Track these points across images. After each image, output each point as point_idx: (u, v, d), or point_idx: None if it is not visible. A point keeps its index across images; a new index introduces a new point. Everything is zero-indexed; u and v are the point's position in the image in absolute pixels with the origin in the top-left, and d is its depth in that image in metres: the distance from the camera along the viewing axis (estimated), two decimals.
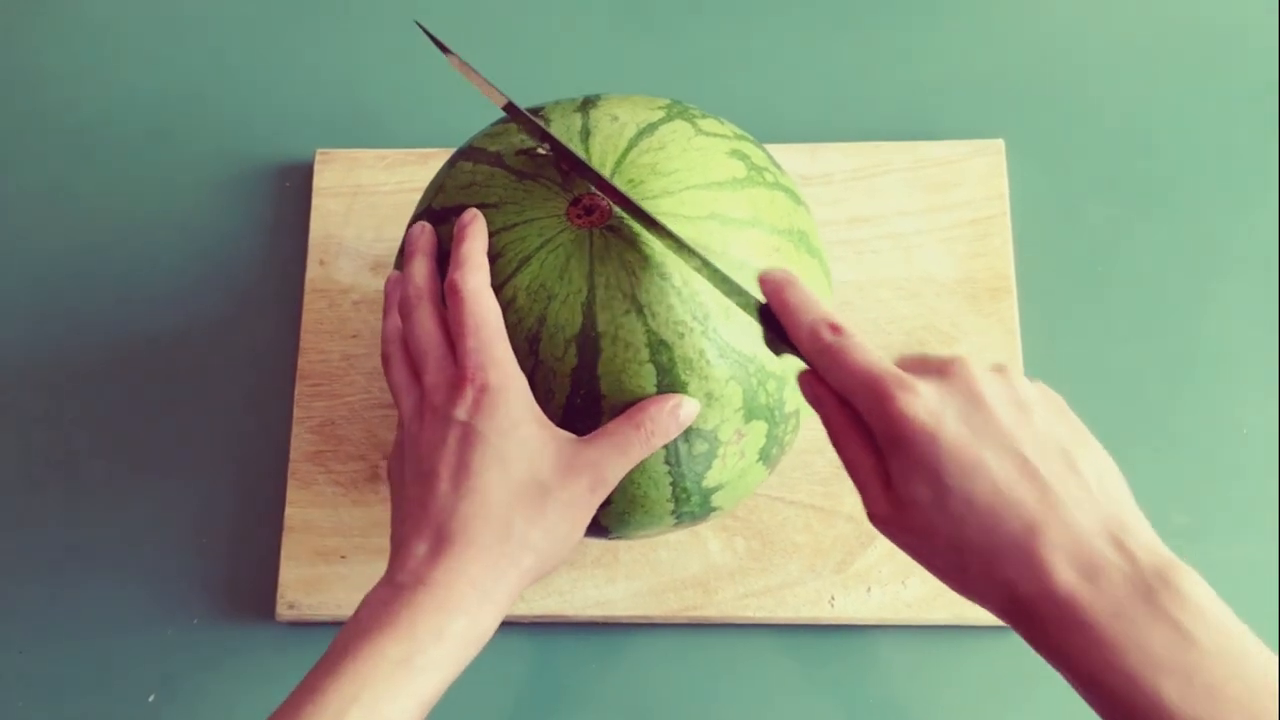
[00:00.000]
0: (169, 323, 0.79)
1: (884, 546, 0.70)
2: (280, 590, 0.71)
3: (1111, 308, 0.77)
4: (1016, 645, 0.70)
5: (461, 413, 0.52)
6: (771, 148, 0.69)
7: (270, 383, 0.77)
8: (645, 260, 0.53)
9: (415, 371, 0.56)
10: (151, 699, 0.71)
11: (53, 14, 0.88)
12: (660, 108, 0.59)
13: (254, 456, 0.76)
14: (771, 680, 0.70)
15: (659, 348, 0.53)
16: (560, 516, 0.52)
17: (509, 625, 0.71)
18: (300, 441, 0.74)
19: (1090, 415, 0.74)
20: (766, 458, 0.59)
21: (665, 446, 0.55)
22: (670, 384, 0.54)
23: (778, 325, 0.51)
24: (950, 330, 0.74)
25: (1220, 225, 0.78)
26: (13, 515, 0.76)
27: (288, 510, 0.73)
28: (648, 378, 0.54)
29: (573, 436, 0.53)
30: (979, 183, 0.78)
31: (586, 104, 0.60)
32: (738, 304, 0.52)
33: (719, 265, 0.52)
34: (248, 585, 0.73)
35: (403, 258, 0.59)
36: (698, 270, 0.53)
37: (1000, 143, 0.79)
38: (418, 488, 0.53)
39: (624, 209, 0.54)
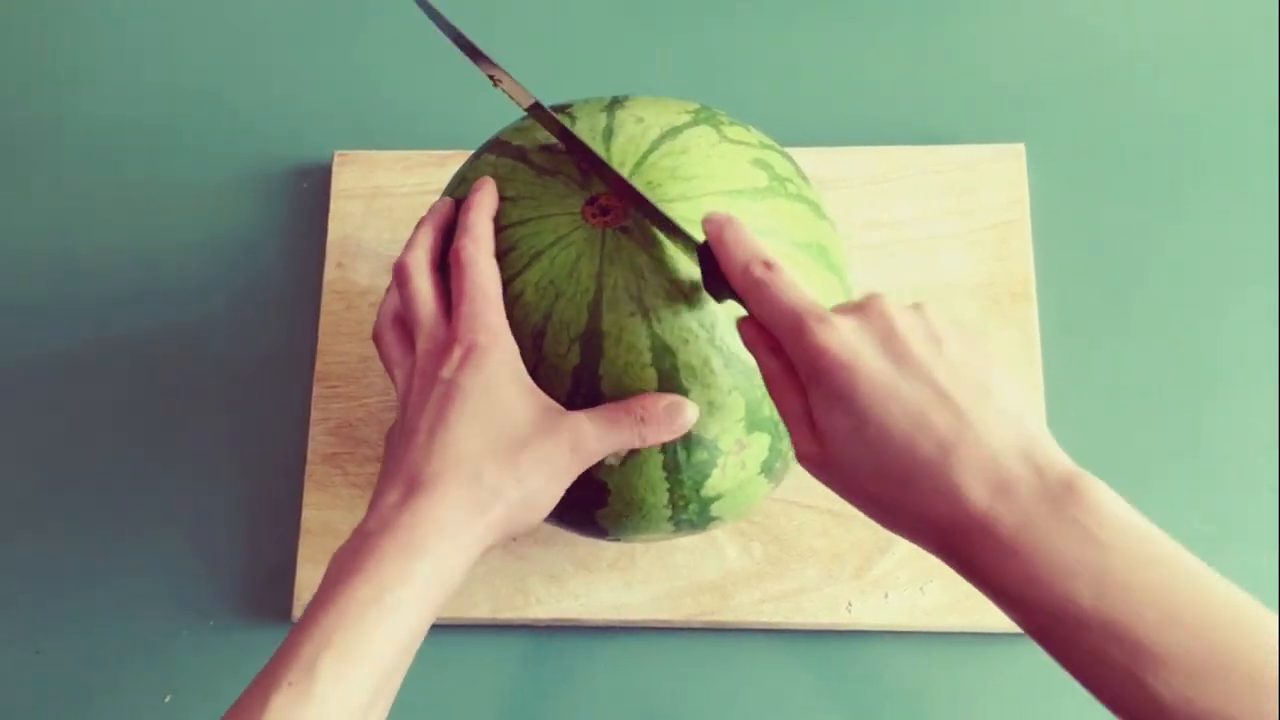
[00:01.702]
0: (186, 324, 0.79)
1: (901, 553, 0.70)
2: (297, 592, 0.71)
3: (1132, 313, 0.76)
4: (1034, 653, 0.70)
5: (447, 372, 0.52)
6: (789, 150, 0.68)
7: (287, 384, 0.77)
8: (655, 264, 0.53)
9: (408, 341, 0.56)
10: (168, 699, 0.71)
11: (71, 14, 0.89)
12: (688, 112, 0.59)
13: (271, 458, 0.76)
14: (788, 686, 0.70)
15: (662, 352, 0.53)
16: (534, 470, 0.51)
17: (524, 628, 0.71)
18: (317, 443, 0.74)
19: (1110, 420, 0.74)
20: (769, 471, 0.59)
21: (664, 451, 0.55)
22: (671, 390, 0.54)
23: (718, 269, 0.51)
24: None
25: (1241, 230, 0.78)
26: (30, 516, 0.76)
27: (304, 512, 0.73)
28: (649, 382, 0.53)
29: (559, 405, 0.53)
30: (999, 187, 0.77)
31: (614, 104, 0.59)
32: (679, 246, 0.53)
33: (664, 210, 0.52)
34: (264, 587, 0.73)
35: None
36: (643, 215, 0.53)
37: (1021, 147, 0.78)
38: (401, 446, 0.53)
39: (636, 206, 0.54)
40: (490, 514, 0.51)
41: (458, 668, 0.71)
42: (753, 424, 0.56)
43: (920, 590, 0.69)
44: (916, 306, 0.49)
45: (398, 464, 0.52)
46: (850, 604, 0.69)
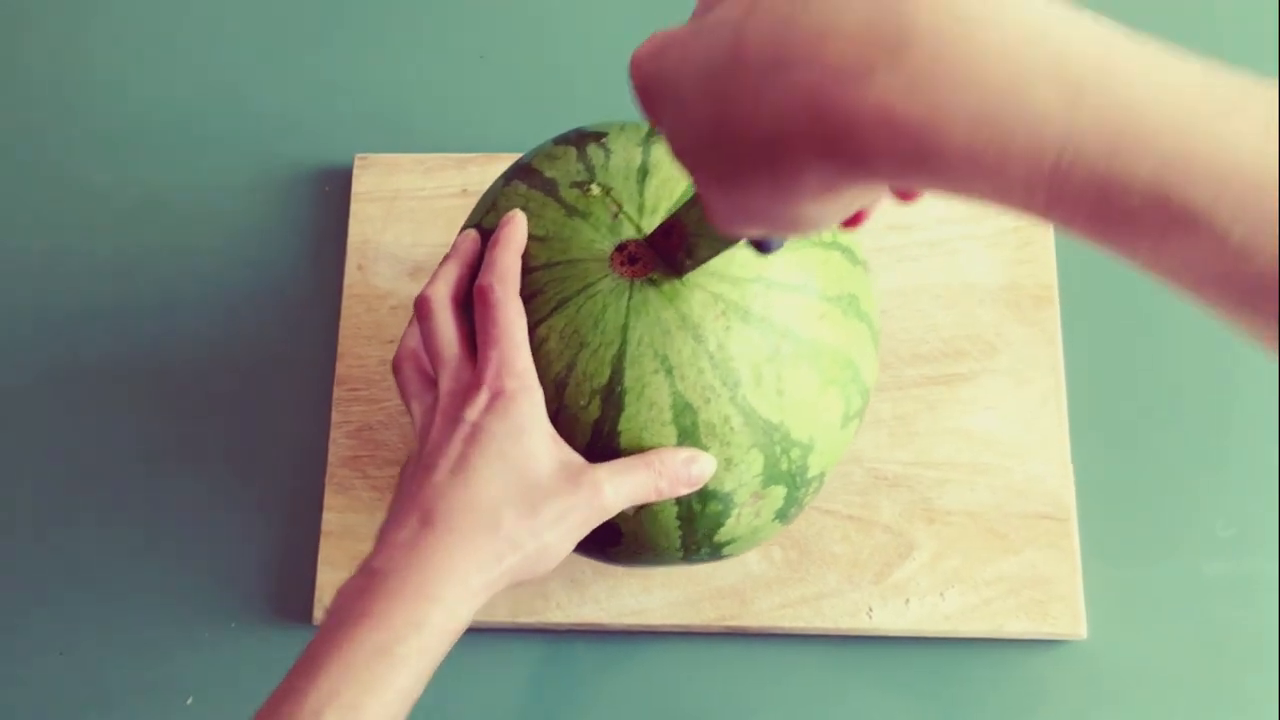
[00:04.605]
0: (208, 327, 0.79)
1: (923, 558, 0.69)
2: (317, 594, 0.72)
3: (1154, 316, 0.76)
4: (1057, 659, 0.70)
5: (472, 414, 0.52)
6: None
7: (308, 387, 0.77)
8: (681, 319, 0.53)
9: (428, 376, 0.56)
10: (189, 701, 0.72)
11: (94, 20, 0.89)
12: None
13: (292, 461, 0.76)
14: (808, 691, 0.69)
15: (684, 410, 0.53)
16: (551, 522, 0.51)
17: (544, 632, 0.71)
18: (338, 446, 0.75)
19: (1132, 425, 0.73)
20: (784, 517, 0.58)
21: (678, 503, 0.54)
22: (690, 446, 0.53)
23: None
24: (992, 339, 0.74)
25: None
26: (54, 519, 0.76)
27: (325, 515, 0.73)
28: (668, 438, 0.53)
29: (580, 457, 0.53)
30: None
31: (651, 135, 0.58)
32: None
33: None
34: (285, 589, 0.73)
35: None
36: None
37: None
38: (414, 482, 0.52)
39: (661, 259, 0.54)
40: (505, 563, 0.50)
41: (477, 672, 0.71)
42: (770, 479, 0.55)
43: (941, 596, 0.69)
44: None
45: (411, 499, 0.51)
46: (871, 609, 0.69)
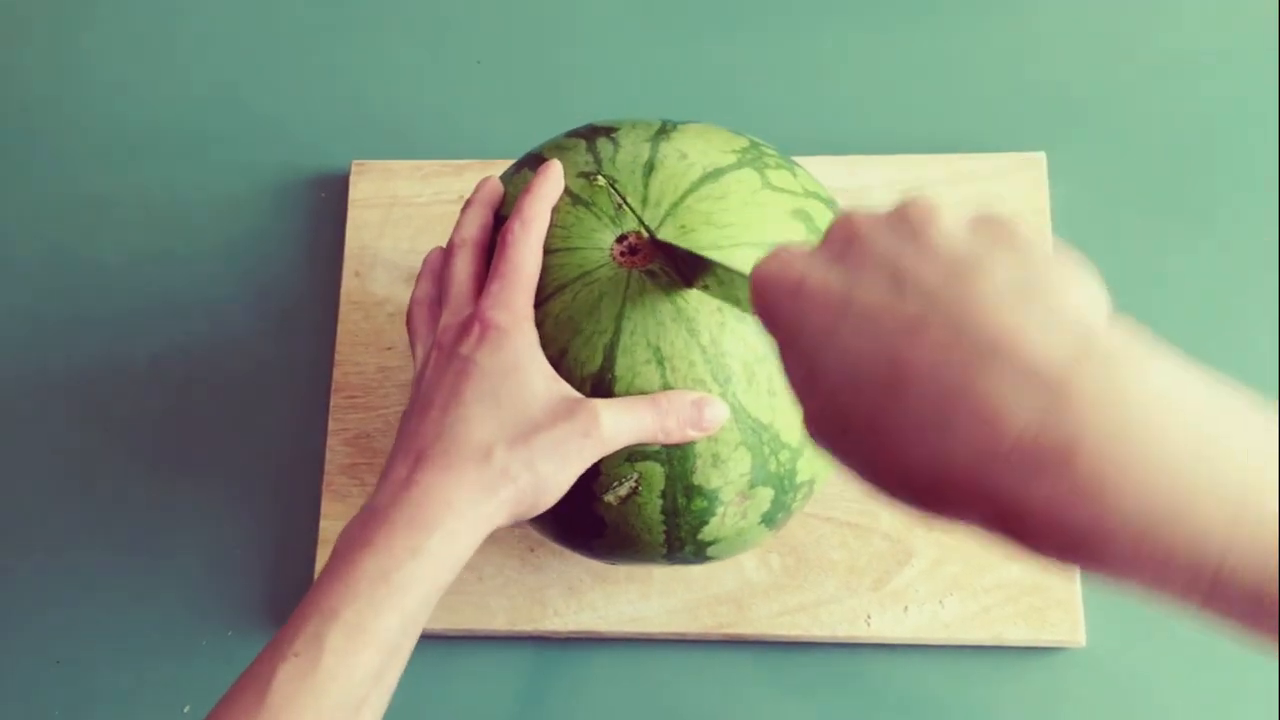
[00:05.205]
0: (204, 334, 0.79)
1: (921, 565, 0.69)
2: None
3: (1153, 324, 0.75)
4: (1056, 666, 0.69)
5: (465, 348, 0.52)
6: (809, 160, 0.68)
7: (305, 395, 0.77)
8: (676, 312, 0.53)
9: (436, 319, 0.57)
10: (187, 710, 0.71)
11: (92, 25, 0.89)
12: (734, 150, 0.58)
13: (289, 469, 0.76)
14: (806, 699, 0.69)
15: None
16: (546, 452, 0.50)
17: (542, 640, 0.71)
18: (335, 454, 0.74)
19: None
20: (770, 521, 0.58)
21: (663, 497, 0.54)
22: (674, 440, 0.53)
23: None
24: None
25: (1264, 240, 0.77)
26: (49, 528, 0.76)
27: (322, 523, 0.73)
28: None
29: (578, 393, 0.53)
30: (1020, 196, 0.77)
31: (661, 133, 0.58)
32: (726, 292, 0.50)
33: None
34: (283, 598, 0.73)
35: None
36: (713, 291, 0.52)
37: (1041, 156, 0.77)
38: (413, 420, 0.52)
39: (667, 261, 0.53)
40: (499, 495, 0.50)
41: (474, 679, 0.71)
42: (757, 479, 0.55)
43: (940, 604, 0.69)
44: (912, 205, 0.38)
45: (409, 438, 0.52)
46: (869, 617, 0.69)
